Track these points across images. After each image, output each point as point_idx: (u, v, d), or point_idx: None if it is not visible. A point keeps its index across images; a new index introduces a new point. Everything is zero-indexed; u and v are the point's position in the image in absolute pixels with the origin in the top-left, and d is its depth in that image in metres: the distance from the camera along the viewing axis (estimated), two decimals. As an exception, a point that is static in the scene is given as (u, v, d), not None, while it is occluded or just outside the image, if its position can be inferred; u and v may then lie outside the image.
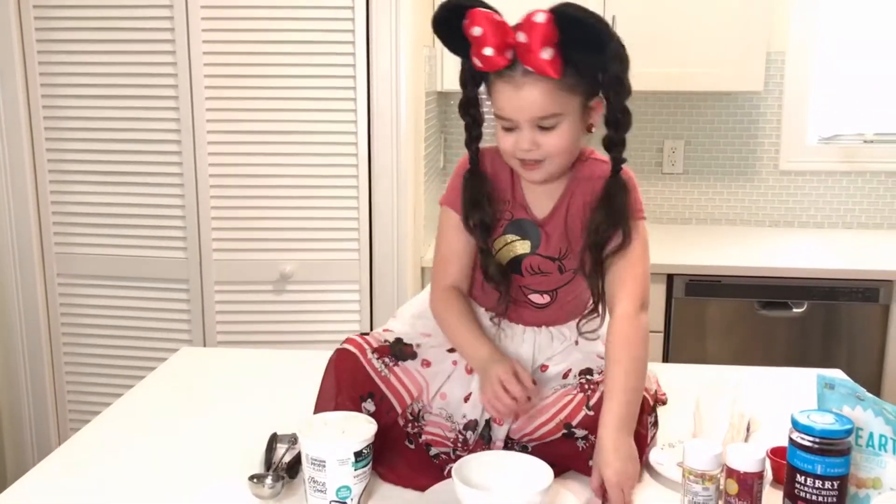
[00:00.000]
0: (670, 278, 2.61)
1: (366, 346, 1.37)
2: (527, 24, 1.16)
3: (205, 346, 2.52)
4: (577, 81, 1.21)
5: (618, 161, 1.28)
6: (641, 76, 2.68)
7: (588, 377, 1.30)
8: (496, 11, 1.21)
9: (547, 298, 1.36)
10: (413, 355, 1.38)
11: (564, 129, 1.23)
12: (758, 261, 2.65)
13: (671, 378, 1.63)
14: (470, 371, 1.35)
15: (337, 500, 1.16)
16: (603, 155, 1.32)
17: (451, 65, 2.70)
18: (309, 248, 2.49)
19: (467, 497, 1.11)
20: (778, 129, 3.04)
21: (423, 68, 2.61)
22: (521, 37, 1.17)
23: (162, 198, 2.49)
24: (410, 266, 2.51)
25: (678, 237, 2.96)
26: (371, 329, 2.43)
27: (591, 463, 1.22)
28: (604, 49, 1.18)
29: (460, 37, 1.22)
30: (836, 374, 1.59)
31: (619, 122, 1.25)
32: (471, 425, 1.31)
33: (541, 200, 1.34)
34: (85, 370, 2.62)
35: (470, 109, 1.31)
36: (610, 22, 2.67)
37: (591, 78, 1.22)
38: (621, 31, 2.89)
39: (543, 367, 1.36)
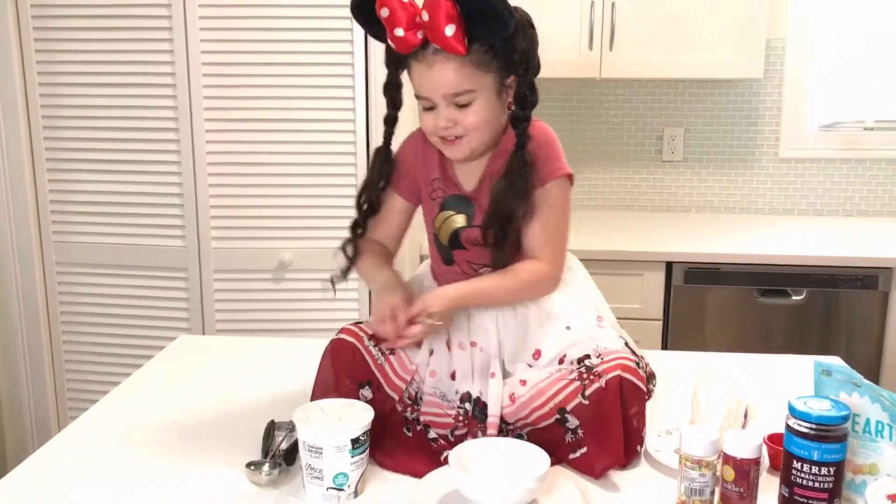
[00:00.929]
0: (669, 266, 2.61)
1: (361, 333, 1.38)
2: (428, 3, 1.22)
3: (204, 333, 2.52)
4: (489, 59, 1.26)
5: (522, 136, 1.31)
6: (641, 63, 2.73)
7: (587, 365, 1.29)
8: None
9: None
10: None
11: (480, 106, 1.29)
12: (757, 248, 2.65)
13: (669, 365, 1.63)
14: (450, 347, 1.36)
15: (334, 486, 1.17)
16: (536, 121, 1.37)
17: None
18: (307, 237, 2.49)
19: (464, 483, 1.11)
20: (778, 116, 3.03)
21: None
22: (425, 16, 1.22)
23: (160, 186, 2.49)
24: (408, 254, 2.50)
25: (677, 225, 2.96)
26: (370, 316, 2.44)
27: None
28: (504, 22, 1.22)
29: (378, 21, 1.27)
30: (834, 360, 1.59)
31: (525, 99, 1.30)
32: (465, 398, 1.32)
33: (468, 175, 1.40)
34: (84, 358, 2.63)
35: (390, 90, 1.37)
36: (609, 9, 2.67)
37: (504, 56, 1.27)
38: (622, 18, 2.89)
39: (537, 354, 1.35)
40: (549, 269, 1.36)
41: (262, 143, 2.44)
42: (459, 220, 1.40)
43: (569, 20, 2.70)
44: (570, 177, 1.38)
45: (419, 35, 1.24)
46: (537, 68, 1.31)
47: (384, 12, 1.24)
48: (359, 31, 2.35)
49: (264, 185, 2.47)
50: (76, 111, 2.48)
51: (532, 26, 1.30)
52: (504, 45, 1.26)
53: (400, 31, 1.24)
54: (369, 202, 1.43)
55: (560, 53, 2.72)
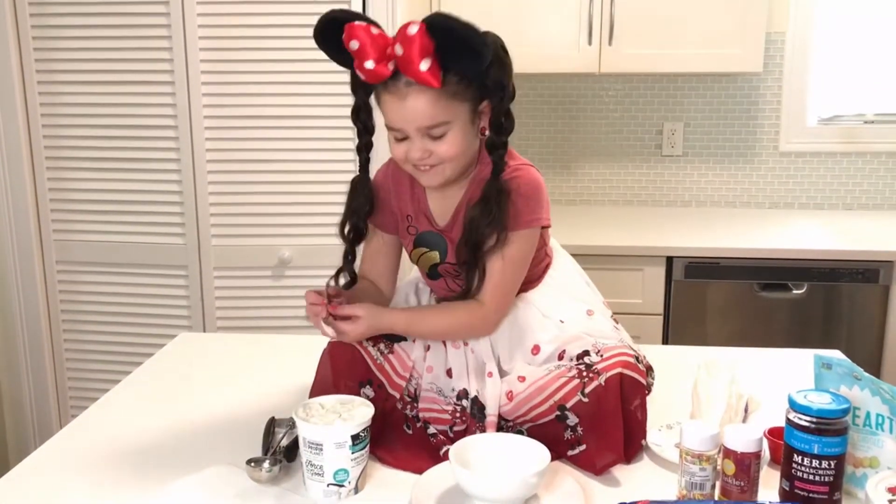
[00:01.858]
0: (669, 261, 2.61)
1: None
2: (402, 37, 1.18)
3: (204, 331, 2.52)
4: (462, 88, 1.23)
5: (499, 164, 1.29)
6: (641, 58, 2.72)
7: (586, 362, 1.29)
8: (374, 23, 1.23)
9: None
10: (404, 338, 1.39)
11: (455, 136, 1.26)
12: (757, 242, 2.65)
13: (670, 359, 1.63)
14: (445, 343, 1.37)
15: (334, 483, 1.17)
16: (519, 157, 1.35)
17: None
18: (307, 234, 2.49)
19: (465, 479, 1.11)
20: (778, 110, 3.03)
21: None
22: (399, 49, 1.19)
23: (160, 184, 2.49)
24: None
25: (677, 219, 2.96)
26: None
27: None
28: (480, 54, 1.19)
29: (344, 49, 1.24)
30: (835, 354, 1.59)
31: (501, 126, 1.27)
32: (462, 394, 1.32)
33: (442, 208, 1.37)
34: (85, 356, 2.63)
35: (361, 115, 1.33)
36: (609, 3, 2.66)
37: (477, 83, 1.24)
38: (620, 12, 2.88)
39: (535, 349, 1.35)
40: (489, 314, 1.33)
41: (262, 140, 2.44)
42: (434, 257, 1.39)
43: (568, 15, 2.70)
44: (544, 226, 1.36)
45: (390, 67, 1.20)
46: (512, 94, 1.28)
47: (353, 45, 1.21)
48: (357, 27, 2.35)
49: (264, 182, 2.46)
50: (75, 109, 2.47)
51: (505, 51, 1.26)
52: (479, 75, 1.23)
53: (370, 64, 1.20)
54: (355, 229, 1.40)
55: (559, 48, 2.72)
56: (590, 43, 2.70)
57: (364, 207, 1.39)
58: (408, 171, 1.33)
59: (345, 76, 2.45)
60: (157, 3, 2.36)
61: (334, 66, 2.50)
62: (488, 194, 1.28)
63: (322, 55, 2.42)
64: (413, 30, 1.17)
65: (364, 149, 1.36)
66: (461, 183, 1.35)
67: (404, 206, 1.41)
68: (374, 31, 1.21)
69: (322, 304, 1.29)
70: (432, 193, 1.38)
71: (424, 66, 1.17)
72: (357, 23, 1.21)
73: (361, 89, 1.31)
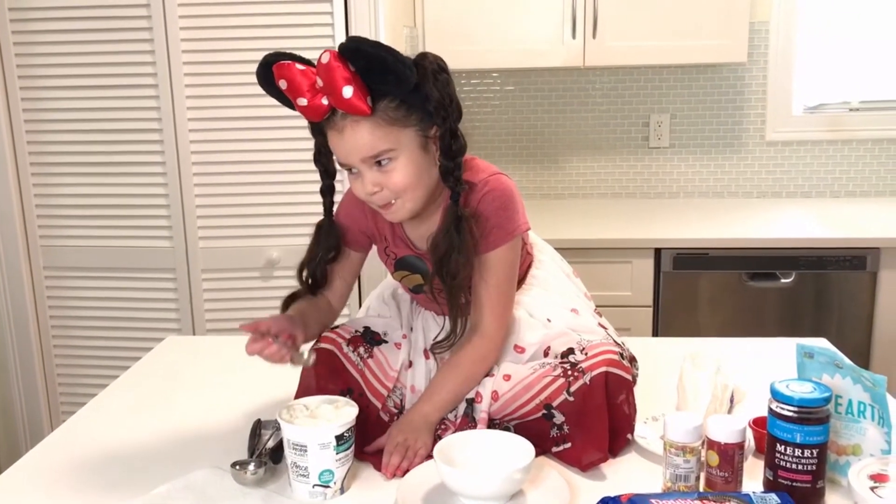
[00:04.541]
0: (658, 252, 2.61)
1: (339, 339, 1.38)
2: (319, 67, 1.17)
3: (194, 333, 2.52)
4: (403, 114, 1.20)
5: (455, 190, 1.26)
6: (625, 50, 2.72)
7: (571, 360, 1.28)
8: (302, 60, 1.21)
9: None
10: (384, 342, 1.40)
11: (404, 164, 1.22)
12: (745, 232, 2.65)
13: (656, 351, 1.63)
14: (427, 355, 1.37)
15: (320, 484, 1.16)
16: (484, 168, 1.32)
17: (434, 45, 2.69)
18: (295, 234, 2.47)
19: (449, 476, 1.11)
20: (763, 99, 3.03)
21: (405, 48, 2.59)
22: (319, 81, 1.17)
23: (146, 187, 2.48)
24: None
25: (665, 211, 2.96)
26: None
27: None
28: (400, 76, 1.15)
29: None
30: (819, 342, 1.59)
31: (449, 148, 1.24)
32: None
33: (419, 232, 1.35)
34: (74, 361, 2.63)
35: (321, 159, 1.31)
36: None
37: (420, 108, 1.21)
38: (604, 5, 2.86)
39: (520, 350, 1.35)
40: (494, 338, 1.32)
41: (247, 141, 2.43)
42: (417, 279, 1.38)
43: (551, 9, 2.69)
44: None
45: (324, 101, 1.18)
46: (458, 113, 1.23)
47: (282, 84, 1.20)
48: (339, 23, 2.34)
49: (250, 183, 2.46)
50: (59, 114, 2.46)
51: (443, 70, 1.22)
52: (414, 97, 1.19)
53: (303, 101, 1.19)
54: (313, 277, 1.38)
55: (543, 43, 2.72)
56: (574, 37, 2.70)
57: (327, 255, 1.37)
58: (372, 206, 1.30)
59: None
60: (139, 6, 2.35)
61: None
62: (448, 222, 1.26)
63: (303, 54, 2.42)
64: (325, 58, 1.16)
65: (327, 192, 1.34)
66: (433, 207, 1.32)
67: (382, 226, 1.38)
68: (301, 66, 1.20)
69: (268, 343, 1.25)
70: (407, 221, 1.34)
71: (347, 92, 1.15)
72: (283, 61, 1.20)
73: (318, 132, 1.28)
